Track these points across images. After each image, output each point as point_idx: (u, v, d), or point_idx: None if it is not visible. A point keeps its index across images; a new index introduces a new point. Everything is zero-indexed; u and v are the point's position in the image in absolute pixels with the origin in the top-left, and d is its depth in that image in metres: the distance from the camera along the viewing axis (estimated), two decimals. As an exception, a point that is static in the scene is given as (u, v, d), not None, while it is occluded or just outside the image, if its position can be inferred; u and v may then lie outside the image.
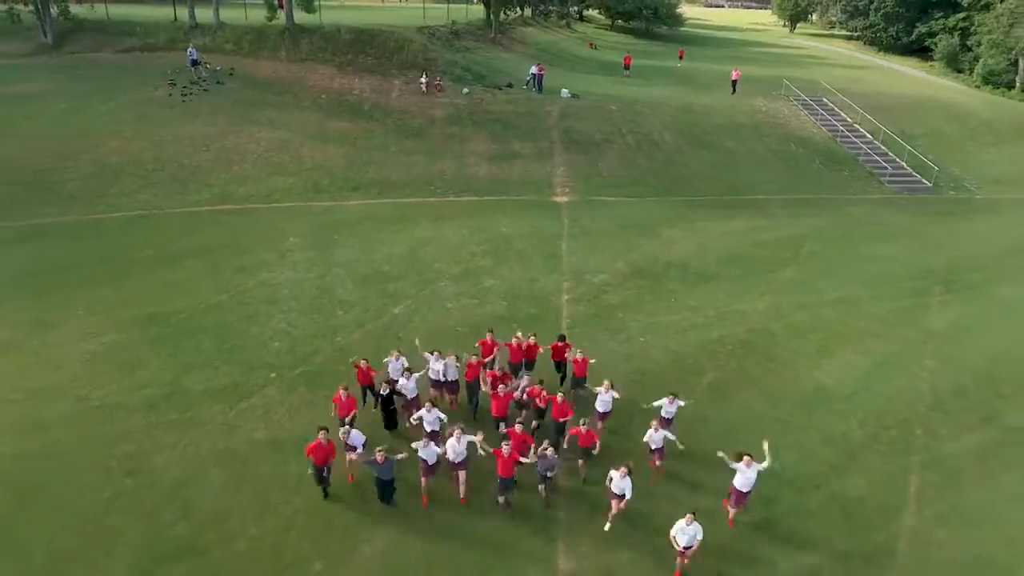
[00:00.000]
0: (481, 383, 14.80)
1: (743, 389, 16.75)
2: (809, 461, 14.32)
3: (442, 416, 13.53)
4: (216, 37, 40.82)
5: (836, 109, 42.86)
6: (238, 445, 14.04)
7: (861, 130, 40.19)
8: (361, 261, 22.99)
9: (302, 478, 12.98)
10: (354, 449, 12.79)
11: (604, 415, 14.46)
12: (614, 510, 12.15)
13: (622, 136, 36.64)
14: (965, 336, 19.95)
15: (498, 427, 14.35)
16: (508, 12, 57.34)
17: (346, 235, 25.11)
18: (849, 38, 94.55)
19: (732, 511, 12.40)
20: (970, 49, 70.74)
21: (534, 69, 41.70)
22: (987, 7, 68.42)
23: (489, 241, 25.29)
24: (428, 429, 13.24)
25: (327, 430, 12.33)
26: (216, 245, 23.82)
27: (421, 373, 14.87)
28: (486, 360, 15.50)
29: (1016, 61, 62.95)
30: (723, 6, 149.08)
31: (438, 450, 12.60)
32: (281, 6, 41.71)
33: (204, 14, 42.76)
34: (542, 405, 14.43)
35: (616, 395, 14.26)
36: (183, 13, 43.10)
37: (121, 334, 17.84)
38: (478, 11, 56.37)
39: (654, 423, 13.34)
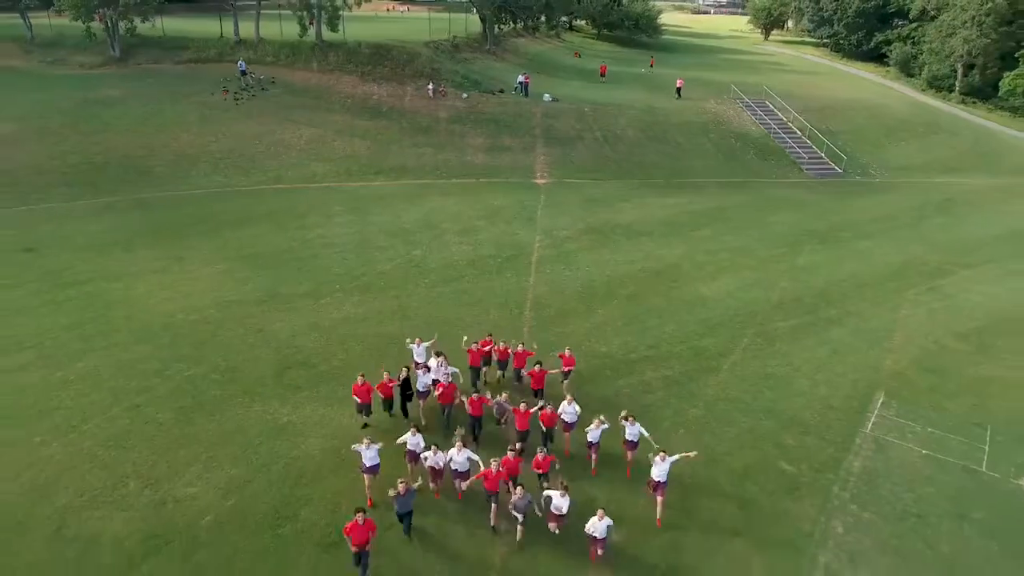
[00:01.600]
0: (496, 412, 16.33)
1: (650, 297, 25.00)
2: (682, 332, 22.52)
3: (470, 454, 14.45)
4: (258, 51, 49.18)
5: (774, 110, 51.26)
6: (321, 320, 22.25)
7: (792, 127, 48.59)
8: (388, 222, 31.23)
9: (366, 322, 21.27)
10: (416, 458, 14.42)
11: (570, 425, 16.11)
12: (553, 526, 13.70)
13: (592, 132, 44.96)
14: (818, 269, 28.26)
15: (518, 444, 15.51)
16: (502, 26, 65.63)
17: (375, 205, 33.38)
18: (817, 45, 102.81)
19: (659, 499, 14.26)
20: (915, 57, 79.16)
21: (520, 78, 50.19)
22: (933, 18, 76.56)
23: (483, 210, 33.55)
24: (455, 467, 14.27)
25: (364, 511, 12.28)
26: (278, 211, 32.05)
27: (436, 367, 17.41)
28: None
29: (961, 68, 71.07)
30: (709, 12, 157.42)
31: (444, 457, 14.19)
32: (311, 23, 49.98)
33: (246, 29, 51.08)
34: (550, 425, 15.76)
35: (578, 410, 15.93)
36: (228, 29, 51.45)
37: (230, 264, 26.10)
38: (476, 23, 64.60)
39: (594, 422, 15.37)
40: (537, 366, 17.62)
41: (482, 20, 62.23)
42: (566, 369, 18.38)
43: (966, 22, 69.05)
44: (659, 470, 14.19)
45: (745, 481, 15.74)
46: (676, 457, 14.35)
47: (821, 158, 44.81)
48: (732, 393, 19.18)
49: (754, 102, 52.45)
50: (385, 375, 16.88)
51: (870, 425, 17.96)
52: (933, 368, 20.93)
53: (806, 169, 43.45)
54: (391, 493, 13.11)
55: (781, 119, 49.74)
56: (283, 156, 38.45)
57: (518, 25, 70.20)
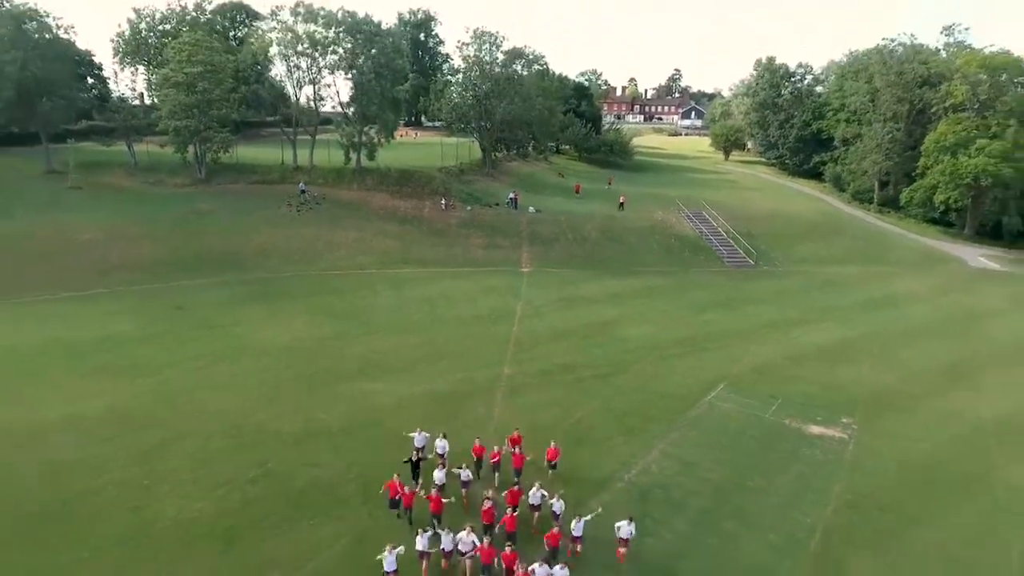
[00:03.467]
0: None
1: (594, 336, 37.97)
2: (610, 353, 35.25)
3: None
4: (312, 174, 64.50)
5: (708, 218, 66.06)
6: (377, 347, 35.11)
7: (720, 231, 63.11)
8: (416, 294, 44.63)
9: (405, 348, 34.14)
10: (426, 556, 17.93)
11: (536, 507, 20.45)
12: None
13: (566, 235, 59.32)
14: (712, 323, 41.34)
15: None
16: (497, 154, 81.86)
17: (406, 284, 46.93)
18: (769, 164, 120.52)
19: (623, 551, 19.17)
20: (842, 175, 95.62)
21: (511, 194, 65.34)
22: (853, 144, 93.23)
23: (482, 288, 47.04)
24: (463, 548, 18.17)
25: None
26: (338, 287, 45.52)
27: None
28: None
29: (877, 183, 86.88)
30: (681, 135, 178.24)
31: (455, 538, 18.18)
32: (356, 152, 65.54)
33: (302, 156, 66.55)
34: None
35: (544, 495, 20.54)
36: (288, 156, 67.02)
37: (312, 317, 39.24)
38: (478, 150, 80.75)
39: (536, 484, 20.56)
40: (516, 448, 23.01)
41: (482, 149, 78.50)
42: (551, 460, 23.34)
43: (874, 149, 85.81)
44: (577, 527, 19.24)
45: (626, 419, 28.30)
46: (589, 517, 19.62)
47: (739, 253, 58.93)
48: (632, 383, 31.94)
49: (692, 212, 67.42)
50: (405, 487, 20.72)
51: (710, 397, 30.65)
52: (761, 372, 33.75)
53: (726, 262, 57.45)
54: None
55: (712, 225, 64.41)
56: (335, 251, 52.42)
57: (511, 152, 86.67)
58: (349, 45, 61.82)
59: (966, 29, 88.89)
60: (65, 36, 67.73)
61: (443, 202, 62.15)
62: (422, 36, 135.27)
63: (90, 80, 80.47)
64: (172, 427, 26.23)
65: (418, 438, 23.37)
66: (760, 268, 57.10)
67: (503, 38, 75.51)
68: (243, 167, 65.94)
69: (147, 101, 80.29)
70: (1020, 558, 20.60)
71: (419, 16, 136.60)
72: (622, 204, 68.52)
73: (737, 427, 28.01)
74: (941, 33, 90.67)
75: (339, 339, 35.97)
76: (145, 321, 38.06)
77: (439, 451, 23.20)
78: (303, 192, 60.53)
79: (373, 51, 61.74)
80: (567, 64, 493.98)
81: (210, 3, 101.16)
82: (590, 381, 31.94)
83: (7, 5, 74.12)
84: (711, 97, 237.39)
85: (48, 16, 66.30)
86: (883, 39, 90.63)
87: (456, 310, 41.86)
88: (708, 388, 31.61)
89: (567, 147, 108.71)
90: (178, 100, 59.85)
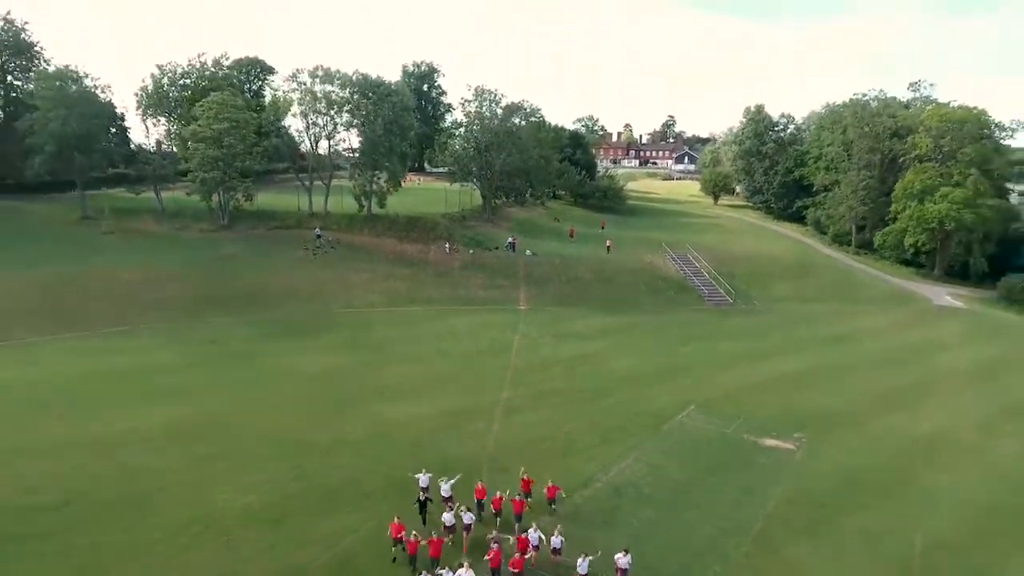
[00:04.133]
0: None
1: (580, 366, 42.76)
2: (595, 381, 39.99)
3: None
4: (326, 220, 70.03)
5: (691, 260, 71.38)
6: (395, 373, 39.90)
7: (702, 272, 68.33)
8: (424, 330, 49.49)
9: (416, 375, 38.95)
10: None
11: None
12: None
13: (560, 276, 64.51)
14: (688, 355, 46.17)
15: None
16: (496, 201, 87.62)
17: (415, 321, 51.86)
18: (755, 209, 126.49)
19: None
20: (822, 219, 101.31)
21: (509, 239, 70.78)
22: (831, 191, 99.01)
23: (484, 324, 51.95)
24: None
25: None
26: (354, 323, 50.43)
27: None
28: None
29: (854, 227, 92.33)
30: (673, 179, 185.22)
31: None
32: (367, 200, 71.23)
33: (317, 203, 72.15)
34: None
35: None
36: (304, 203, 72.67)
37: (336, 348, 44.08)
38: (479, 197, 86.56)
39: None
40: (519, 495, 24.75)
41: (483, 196, 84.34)
42: (550, 498, 25.36)
43: (850, 195, 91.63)
44: (582, 565, 21.11)
45: (608, 433, 32.97)
46: (592, 557, 21.29)
47: (719, 293, 64.00)
48: (614, 404, 36.71)
49: (678, 255, 72.80)
50: (412, 534, 22.16)
51: (681, 416, 35.36)
52: (728, 397, 38.48)
53: (707, 300, 62.49)
54: None
55: (696, 267, 69.69)
56: (350, 291, 57.50)
57: (510, 198, 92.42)
58: (362, 104, 67.92)
59: (931, 85, 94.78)
60: (102, 94, 74.34)
61: (447, 246, 67.54)
62: (425, 87, 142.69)
63: (119, 132, 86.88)
64: (218, 439, 30.95)
65: (423, 479, 25.50)
66: (738, 306, 62.08)
67: (502, 95, 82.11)
68: (263, 213, 71.50)
69: (164, 148, 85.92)
70: (921, 540, 25.15)
71: (423, 68, 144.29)
72: (609, 247, 73.92)
73: (702, 440, 32.69)
74: (908, 88, 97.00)
75: (357, 368, 40.81)
76: (184, 353, 42.93)
77: (444, 494, 25.05)
78: (318, 237, 65.91)
79: (385, 108, 67.86)
80: (566, 109, 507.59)
81: (227, 58, 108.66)
82: (578, 403, 36.70)
83: (49, 67, 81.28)
84: (705, 141, 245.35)
85: (87, 77, 72.96)
86: (855, 94, 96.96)
87: (460, 343, 46.78)
88: (680, 409, 36.31)
89: (563, 193, 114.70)
90: (206, 154, 65.67)
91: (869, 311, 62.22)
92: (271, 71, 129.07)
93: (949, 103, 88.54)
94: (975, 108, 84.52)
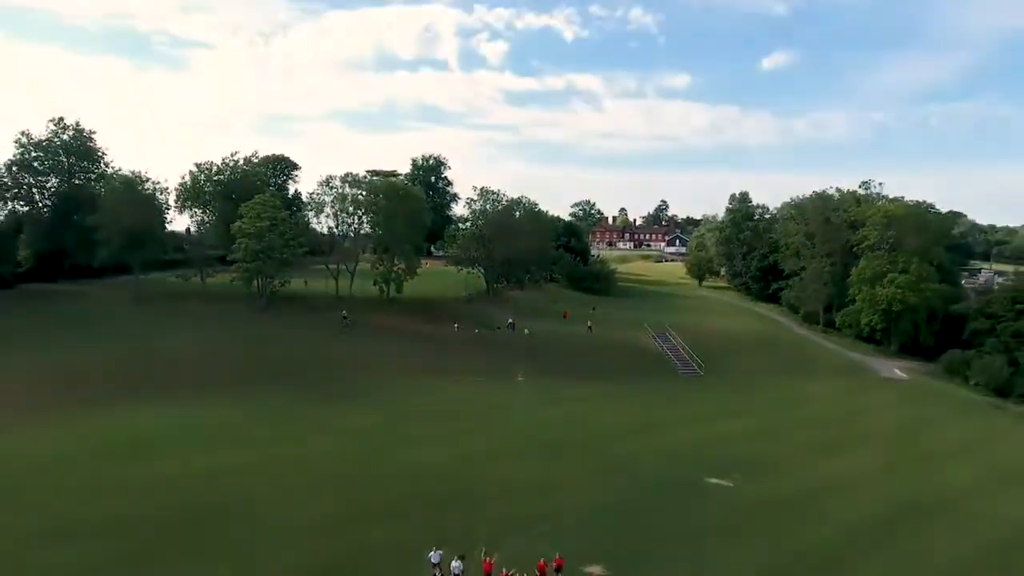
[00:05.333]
0: None
1: (567, 424, 52.22)
2: (581, 433, 49.41)
3: None
4: (351, 303, 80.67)
5: (669, 338, 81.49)
6: (417, 441, 49.41)
7: (678, 348, 78.34)
8: (437, 395, 59.09)
9: (440, 421, 48.44)
10: None
11: None
12: None
13: (552, 351, 74.51)
14: (659, 415, 55.65)
15: None
16: (498, 285, 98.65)
17: (430, 388, 61.49)
18: (736, 290, 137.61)
19: None
20: (793, 301, 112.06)
21: (509, 319, 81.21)
22: (799, 276, 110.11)
23: (487, 390, 61.56)
24: None
25: None
26: (382, 387, 60.01)
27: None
28: None
29: (821, 308, 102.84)
30: (664, 261, 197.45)
31: None
32: (387, 285, 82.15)
33: (343, 287, 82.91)
34: None
35: None
36: (332, 287, 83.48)
37: (371, 409, 53.65)
38: (483, 281, 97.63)
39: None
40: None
41: (486, 281, 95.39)
42: (558, 566, 28.05)
43: (815, 279, 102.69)
44: None
45: (586, 471, 42.27)
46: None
47: (691, 365, 73.85)
48: (592, 451, 46.08)
49: (657, 333, 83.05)
50: None
51: (645, 460, 44.65)
52: (684, 446, 47.76)
53: (680, 372, 72.29)
54: None
55: (672, 343, 79.80)
56: (375, 363, 67.34)
57: (511, 282, 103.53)
58: (384, 205, 79.95)
59: (880, 184, 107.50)
60: (160, 195, 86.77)
61: (456, 325, 77.87)
62: (432, 179, 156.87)
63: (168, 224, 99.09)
64: (287, 474, 40.30)
65: (434, 556, 28.03)
66: (706, 377, 71.80)
67: (504, 193, 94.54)
68: (296, 296, 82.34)
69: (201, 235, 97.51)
70: (807, 537, 34.39)
71: (431, 162, 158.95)
72: (591, 328, 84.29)
73: (659, 475, 41.95)
74: (860, 187, 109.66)
75: (387, 424, 50.33)
76: (245, 413, 52.47)
77: (455, 572, 27.24)
78: (345, 318, 76.37)
79: (404, 208, 79.86)
80: (563, 195, 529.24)
81: (256, 157, 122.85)
82: (564, 450, 46.10)
83: (108, 167, 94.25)
84: (697, 223, 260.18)
85: (149, 180, 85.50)
86: (813, 191, 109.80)
87: (469, 405, 56.40)
88: (645, 455, 45.67)
89: (559, 277, 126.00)
90: (249, 247, 77.06)
91: (820, 381, 71.98)
92: (295, 167, 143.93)
93: (896, 198, 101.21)
94: (917, 202, 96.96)
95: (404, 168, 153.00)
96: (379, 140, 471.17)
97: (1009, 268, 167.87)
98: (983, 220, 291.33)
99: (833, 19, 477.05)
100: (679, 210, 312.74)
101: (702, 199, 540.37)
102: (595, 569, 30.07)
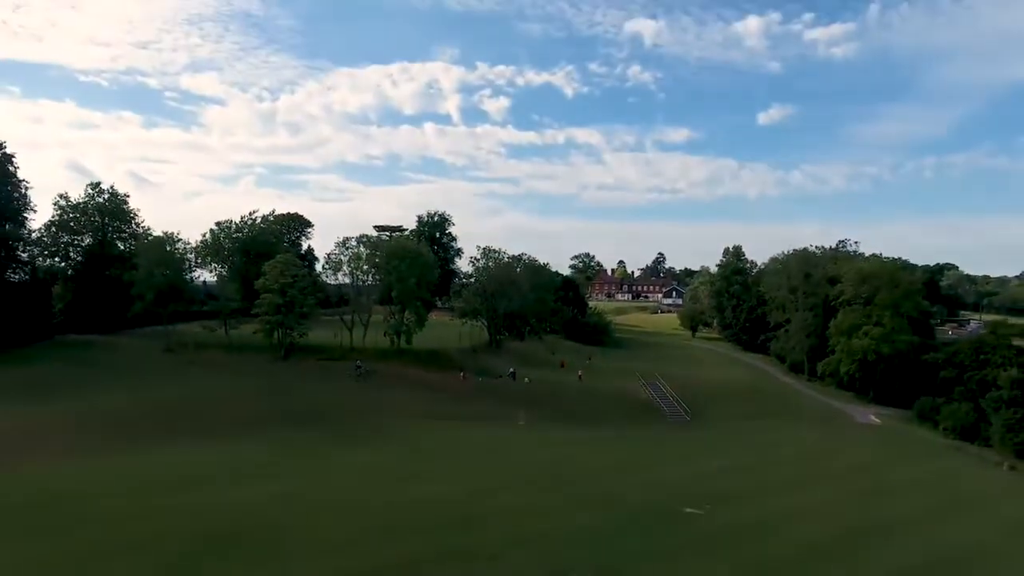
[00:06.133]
0: None
1: (561, 464, 58.06)
2: (574, 470, 55.23)
3: None
4: (364, 353, 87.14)
5: (659, 386, 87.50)
6: (428, 473, 55.33)
7: (667, 396, 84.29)
8: (444, 437, 65.03)
9: (451, 458, 54.31)
10: None
11: None
12: None
13: (550, 399, 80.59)
14: (645, 456, 61.43)
15: None
16: (500, 336, 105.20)
17: (437, 432, 67.45)
18: (728, 341, 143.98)
19: None
20: (778, 352, 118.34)
21: (510, 369, 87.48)
22: (784, 327, 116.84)
23: (489, 434, 67.47)
24: None
25: None
26: (392, 433, 66.01)
27: None
28: None
29: (806, 358, 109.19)
30: (659, 312, 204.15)
31: None
32: (398, 337, 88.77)
33: (356, 338, 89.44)
34: None
35: None
36: (346, 338, 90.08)
37: (392, 448, 59.60)
38: (485, 333, 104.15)
39: None
40: None
41: (489, 333, 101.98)
42: None
43: (798, 331, 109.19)
44: None
45: (574, 505, 48.13)
46: None
47: (679, 412, 79.75)
48: (583, 487, 51.84)
49: (648, 382, 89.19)
50: None
51: (629, 493, 50.45)
52: (665, 481, 53.54)
53: (668, 418, 78.20)
54: None
55: (662, 391, 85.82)
56: (387, 409, 73.43)
57: (512, 334, 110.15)
58: (396, 264, 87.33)
59: (856, 243, 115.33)
60: (190, 255, 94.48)
61: (461, 374, 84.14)
62: (437, 234, 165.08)
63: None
64: (311, 503, 46.12)
65: None
66: (692, 423, 77.67)
67: (505, 252, 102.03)
68: (312, 347, 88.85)
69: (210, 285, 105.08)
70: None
71: (435, 218, 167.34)
72: (580, 376, 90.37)
73: (640, 505, 47.68)
74: (836, 245, 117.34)
75: (399, 463, 56.12)
76: (269, 451, 58.49)
77: None
78: (358, 367, 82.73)
79: (415, 268, 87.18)
80: (563, 245, 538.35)
81: (272, 215, 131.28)
82: (559, 485, 51.82)
83: (139, 227, 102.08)
84: (693, 274, 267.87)
85: (180, 241, 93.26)
86: (794, 249, 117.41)
87: (472, 447, 62.30)
88: (630, 489, 51.41)
89: (557, 329, 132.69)
90: (272, 302, 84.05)
91: (797, 426, 77.79)
92: (308, 224, 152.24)
93: (874, 255, 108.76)
94: (893, 259, 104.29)
95: (409, 222, 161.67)
96: (382, 192, 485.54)
97: (998, 318, 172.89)
98: (983, 270, 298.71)
99: (826, 75, 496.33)
100: (679, 260, 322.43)
101: (701, 250, 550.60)
102: (578, 578, 35.83)
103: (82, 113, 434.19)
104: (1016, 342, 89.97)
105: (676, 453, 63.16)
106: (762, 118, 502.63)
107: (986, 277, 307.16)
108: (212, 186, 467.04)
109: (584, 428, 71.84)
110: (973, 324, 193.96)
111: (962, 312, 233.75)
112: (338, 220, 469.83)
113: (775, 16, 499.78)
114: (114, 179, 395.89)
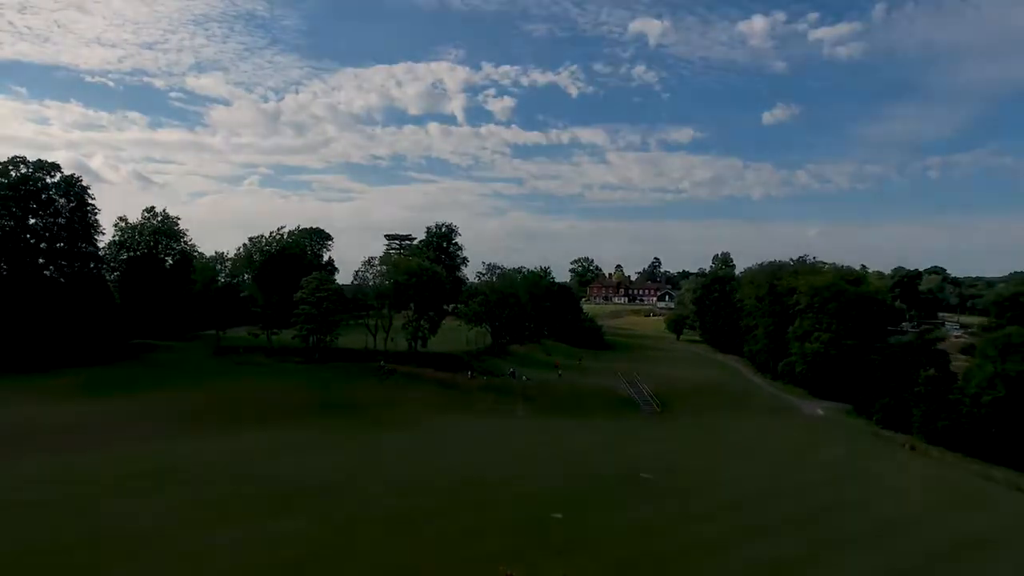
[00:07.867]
0: None
1: (553, 445, 73.17)
2: (565, 478, 70.30)
3: None
4: (386, 355, 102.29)
5: (638, 384, 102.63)
6: (441, 463, 70.46)
7: (642, 391, 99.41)
8: (456, 427, 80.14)
9: (445, 456, 69.47)
10: None
11: None
12: None
13: (545, 394, 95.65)
14: (619, 439, 76.51)
15: None
16: (502, 340, 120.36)
17: (450, 422, 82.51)
18: (707, 343, 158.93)
19: None
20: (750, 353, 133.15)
21: (511, 369, 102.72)
22: (752, 332, 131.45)
23: (493, 424, 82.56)
24: None
25: None
26: (414, 423, 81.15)
27: None
28: None
29: (771, 359, 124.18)
30: (651, 315, 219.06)
31: None
32: (415, 341, 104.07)
33: (380, 341, 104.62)
34: None
35: None
36: (371, 342, 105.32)
37: (408, 433, 74.72)
38: (490, 337, 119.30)
39: None
40: None
41: (492, 337, 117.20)
42: None
43: (764, 336, 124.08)
44: None
45: (564, 477, 63.34)
46: None
47: (652, 405, 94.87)
48: (575, 462, 66.97)
49: (628, 380, 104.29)
50: None
51: (604, 468, 65.61)
52: (632, 457, 68.60)
53: (642, 410, 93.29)
54: None
55: (640, 388, 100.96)
56: (406, 403, 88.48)
57: (513, 338, 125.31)
58: (416, 282, 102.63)
59: (814, 257, 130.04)
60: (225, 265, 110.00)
61: (469, 374, 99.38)
62: (444, 244, 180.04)
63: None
64: (357, 471, 61.32)
65: None
66: (662, 414, 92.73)
67: (504, 267, 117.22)
68: (342, 350, 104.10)
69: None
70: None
71: (443, 229, 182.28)
72: (559, 373, 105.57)
73: (609, 474, 62.73)
74: (795, 259, 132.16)
75: (421, 444, 71.29)
76: (318, 434, 73.71)
77: None
78: (381, 367, 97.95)
79: (431, 285, 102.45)
80: (566, 244, 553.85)
81: (297, 230, 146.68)
82: (551, 463, 66.95)
83: (187, 244, 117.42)
84: (688, 276, 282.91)
85: (229, 261, 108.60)
86: (761, 263, 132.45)
87: (479, 433, 77.40)
88: (603, 462, 66.45)
89: (553, 333, 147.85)
90: (309, 312, 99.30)
91: (752, 416, 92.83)
92: (329, 237, 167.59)
93: (828, 266, 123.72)
94: (844, 267, 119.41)
95: (414, 224, 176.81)
96: (386, 192, 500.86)
97: (983, 320, 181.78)
98: (985, 270, 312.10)
99: (831, 75, 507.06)
100: (680, 263, 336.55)
101: (702, 251, 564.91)
102: (557, 514, 51.06)
103: (88, 113, 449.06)
104: (958, 340, 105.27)
105: (643, 437, 78.29)
106: (767, 118, 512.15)
107: (970, 279, 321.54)
108: (217, 186, 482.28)
109: (572, 419, 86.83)
110: (948, 325, 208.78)
111: (942, 314, 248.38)
112: (342, 220, 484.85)
113: (780, 16, 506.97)
114: (119, 179, 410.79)
